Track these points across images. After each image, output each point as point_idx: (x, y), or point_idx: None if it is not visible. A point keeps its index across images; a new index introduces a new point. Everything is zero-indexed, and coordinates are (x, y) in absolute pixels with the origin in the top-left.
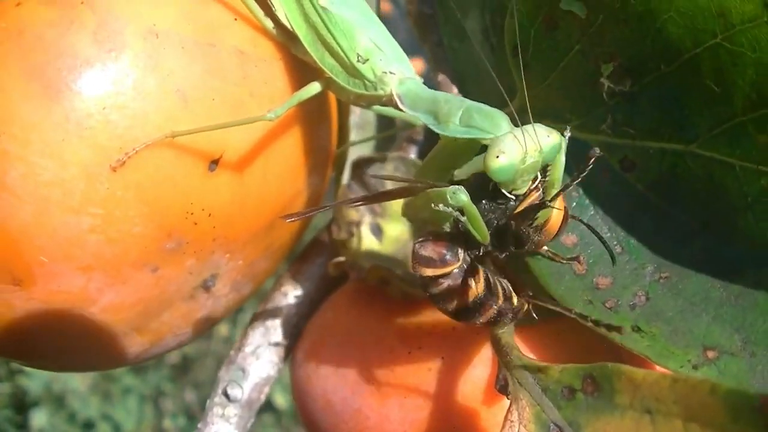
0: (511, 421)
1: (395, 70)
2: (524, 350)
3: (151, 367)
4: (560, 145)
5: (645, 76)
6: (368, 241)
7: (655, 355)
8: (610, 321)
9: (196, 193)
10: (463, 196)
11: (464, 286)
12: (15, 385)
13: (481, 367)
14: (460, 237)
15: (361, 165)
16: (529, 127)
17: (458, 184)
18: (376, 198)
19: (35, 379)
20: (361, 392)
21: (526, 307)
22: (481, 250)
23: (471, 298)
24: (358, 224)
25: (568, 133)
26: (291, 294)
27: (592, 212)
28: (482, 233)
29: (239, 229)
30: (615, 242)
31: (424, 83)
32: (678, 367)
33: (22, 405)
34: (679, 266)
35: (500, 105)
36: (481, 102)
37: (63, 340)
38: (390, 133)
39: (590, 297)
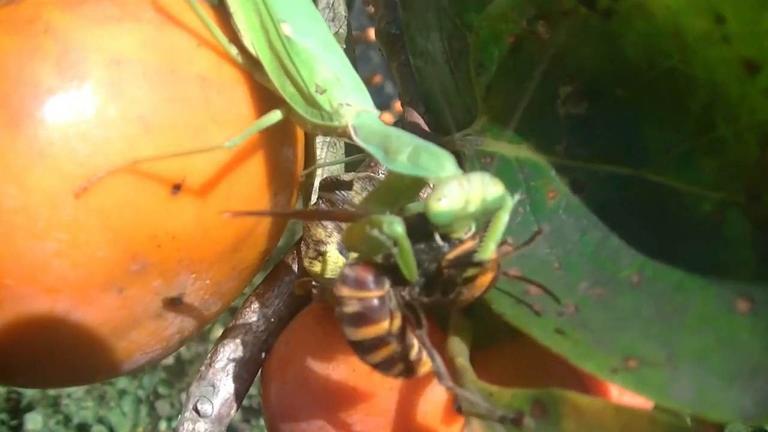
0: None
1: (352, 102)
2: (480, 372)
3: (147, 370)
4: (503, 197)
5: (602, 99)
6: (335, 261)
7: (575, 357)
8: (535, 323)
9: (160, 217)
10: (398, 228)
11: (378, 315)
12: (10, 388)
13: (441, 387)
14: (390, 271)
15: (328, 185)
16: (474, 175)
17: (399, 219)
18: (314, 215)
19: None
20: (325, 410)
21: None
22: (407, 292)
23: (380, 331)
24: (326, 243)
25: (518, 197)
26: (260, 311)
27: (535, 228)
28: (410, 270)
29: (204, 250)
30: (554, 258)
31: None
32: (596, 369)
33: (16, 408)
34: (614, 285)
35: (462, 125)
36: (444, 123)
37: (32, 360)
38: (359, 157)
39: (519, 299)
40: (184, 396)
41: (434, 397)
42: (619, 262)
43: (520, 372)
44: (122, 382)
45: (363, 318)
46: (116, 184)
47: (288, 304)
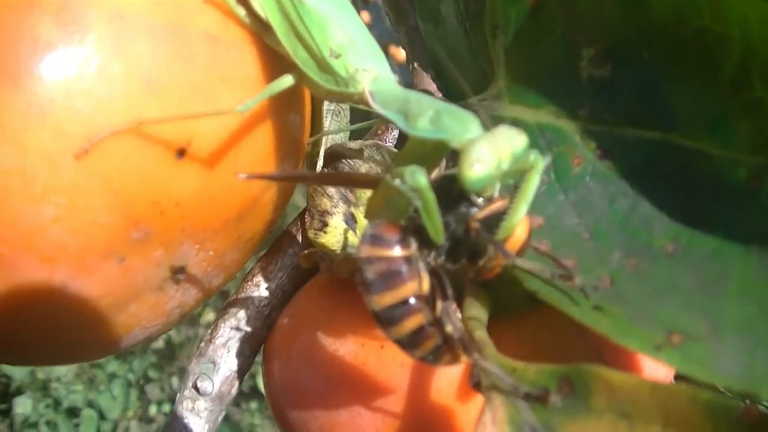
0: (484, 422)
1: (369, 68)
2: (497, 344)
3: (137, 353)
4: (534, 156)
5: (627, 62)
6: (341, 231)
7: (616, 334)
8: (571, 296)
9: (163, 181)
10: (421, 177)
11: (403, 277)
12: None
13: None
14: (415, 233)
15: (334, 153)
16: (499, 131)
17: (422, 169)
18: (332, 178)
19: (19, 367)
20: (333, 386)
21: (458, 345)
22: (433, 257)
23: (406, 295)
24: (331, 214)
25: (548, 159)
26: (263, 284)
27: (561, 197)
28: (436, 227)
29: (208, 219)
30: (583, 228)
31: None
32: (639, 346)
33: (5, 393)
34: (649, 254)
35: (477, 90)
36: (457, 87)
37: (26, 334)
38: (367, 124)
39: (552, 275)
40: (174, 380)
41: (448, 374)
42: (651, 230)
43: (538, 346)
44: (112, 366)
45: (387, 280)
46: (119, 145)
47: (292, 277)
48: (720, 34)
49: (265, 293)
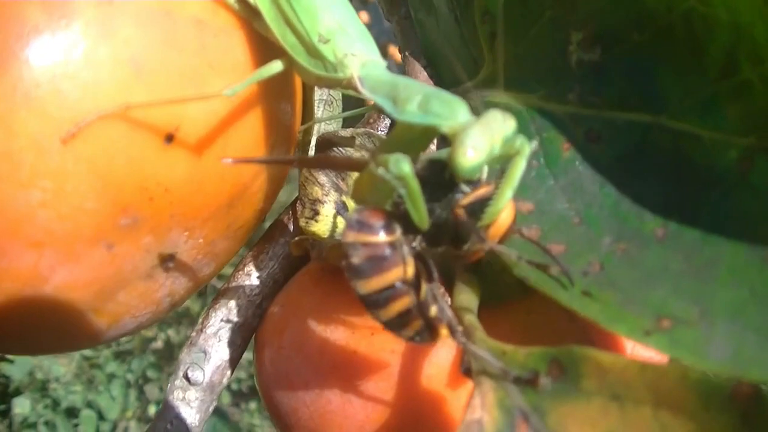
0: (474, 406)
1: (358, 53)
2: (489, 331)
3: (136, 353)
4: (521, 142)
5: (616, 45)
6: (332, 220)
7: (606, 320)
8: (560, 281)
9: (152, 167)
10: (405, 165)
11: (388, 262)
12: None
13: (445, 348)
14: (400, 218)
15: (326, 141)
16: (489, 116)
17: (406, 157)
18: (318, 162)
19: (18, 367)
20: (323, 374)
21: (443, 329)
22: (418, 241)
23: (392, 280)
24: (322, 202)
25: (535, 144)
26: (254, 274)
27: (551, 182)
28: (420, 214)
29: (198, 206)
30: (573, 213)
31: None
32: (629, 331)
33: (4, 393)
34: (640, 239)
35: (468, 76)
36: (449, 74)
37: (12, 323)
38: (358, 111)
39: (540, 260)
40: None
41: (439, 360)
42: (642, 215)
43: (530, 332)
44: (111, 366)
45: (373, 265)
46: (106, 130)
47: (283, 266)
48: (707, 16)
49: (256, 282)
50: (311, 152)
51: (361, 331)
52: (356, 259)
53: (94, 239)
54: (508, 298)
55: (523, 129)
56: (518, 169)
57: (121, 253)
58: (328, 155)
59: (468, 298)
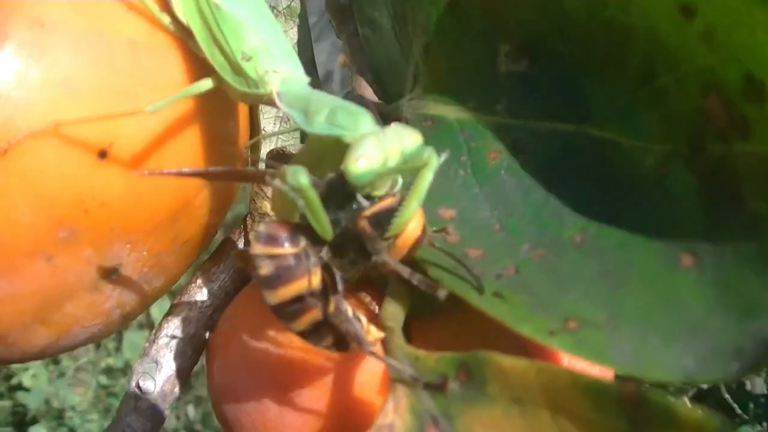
0: (386, 411)
1: (279, 70)
2: (421, 342)
3: None
4: (428, 154)
5: (542, 55)
6: None
7: (513, 320)
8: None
9: (86, 182)
10: (302, 178)
11: (294, 274)
12: (14, 401)
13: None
14: (307, 230)
15: (274, 157)
16: (389, 129)
17: (303, 169)
18: (222, 175)
19: (34, 396)
20: (264, 384)
21: (370, 337)
22: (325, 252)
23: (298, 290)
24: (271, 216)
25: (445, 156)
26: (206, 287)
27: (476, 191)
28: (322, 225)
29: (138, 219)
30: (495, 220)
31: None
32: (533, 332)
33: (21, 422)
34: (558, 245)
35: (407, 90)
36: (393, 88)
37: None
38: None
39: (457, 263)
40: (190, 408)
41: (371, 368)
42: (562, 222)
43: (462, 343)
44: None
45: (278, 277)
46: (38, 147)
47: (234, 280)
48: (625, 24)
49: (207, 295)
50: (261, 166)
51: (299, 342)
52: (263, 270)
53: (33, 252)
54: (441, 308)
55: (451, 140)
56: (424, 180)
57: (62, 265)
58: (236, 169)
59: (393, 307)
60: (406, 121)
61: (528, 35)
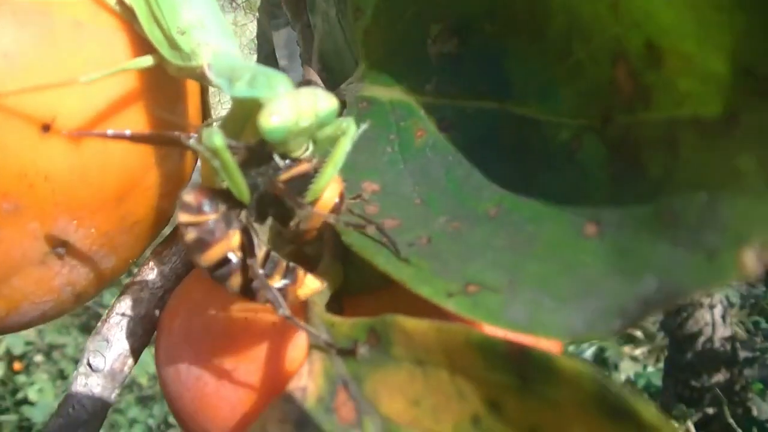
0: (301, 374)
1: (211, 42)
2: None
3: (158, 398)
4: (336, 112)
5: (471, 36)
6: None
7: (414, 282)
8: (380, 252)
9: (29, 156)
10: (216, 139)
11: (215, 237)
12: (20, 415)
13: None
14: (227, 195)
15: None
16: (305, 90)
17: (219, 131)
18: (143, 137)
19: (39, 410)
20: (202, 360)
21: (305, 289)
22: (244, 216)
23: (221, 253)
24: None
25: (364, 126)
26: (158, 269)
27: (401, 167)
28: (238, 187)
29: (83, 196)
30: (416, 195)
31: None
32: (432, 294)
33: None
34: (473, 218)
35: (350, 74)
36: (339, 74)
37: None
38: None
39: (373, 231)
40: None
41: (302, 343)
42: (480, 196)
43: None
44: (133, 411)
45: (201, 241)
46: None
47: (186, 262)
48: (545, 1)
49: (158, 276)
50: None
51: (237, 317)
52: (188, 236)
53: None
54: (374, 285)
55: (383, 119)
56: (342, 148)
57: (6, 239)
58: (157, 132)
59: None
60: (346, 104)
61: (458, 16)
